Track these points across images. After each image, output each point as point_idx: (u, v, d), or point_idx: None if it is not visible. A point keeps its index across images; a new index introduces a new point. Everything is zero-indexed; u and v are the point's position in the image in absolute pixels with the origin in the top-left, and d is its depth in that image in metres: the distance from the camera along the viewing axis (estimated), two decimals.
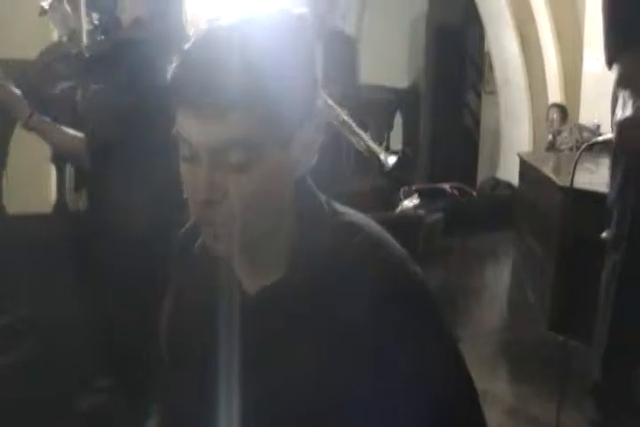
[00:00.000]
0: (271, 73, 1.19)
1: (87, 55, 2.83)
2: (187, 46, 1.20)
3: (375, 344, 1.19)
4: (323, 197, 1.33)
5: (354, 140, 5.09)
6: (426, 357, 1.23)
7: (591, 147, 3.16)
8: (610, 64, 2.82)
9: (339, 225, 1.28)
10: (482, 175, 8.55)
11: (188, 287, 1.41)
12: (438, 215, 5.28)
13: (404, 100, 8.99)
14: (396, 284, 1.23)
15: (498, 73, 8.34)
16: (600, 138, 3.05)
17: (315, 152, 1.28)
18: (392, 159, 5.05)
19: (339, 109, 5.04)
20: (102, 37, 2.86)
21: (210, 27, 1.22)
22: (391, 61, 9.58)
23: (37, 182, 4.55)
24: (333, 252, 1.25)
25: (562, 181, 4.17)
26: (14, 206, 4.29)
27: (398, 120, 8.74)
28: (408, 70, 9.81)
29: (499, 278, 5.30)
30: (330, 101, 5.05)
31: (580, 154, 2.93)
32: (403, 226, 3.93)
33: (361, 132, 5.08)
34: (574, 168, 2.91)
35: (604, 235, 3.10)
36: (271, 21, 1.23)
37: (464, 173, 8.11)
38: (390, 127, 8.50)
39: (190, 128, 1.19)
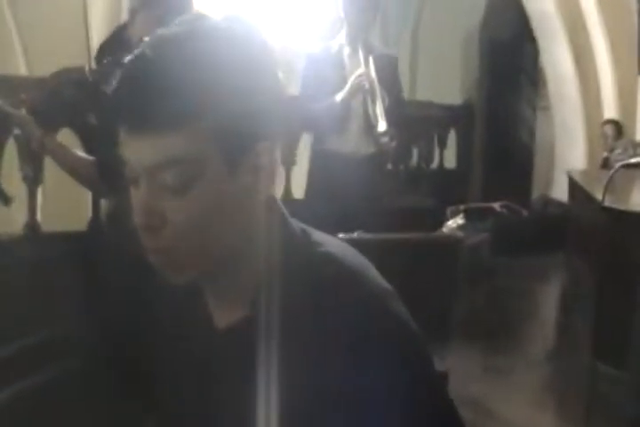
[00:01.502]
0: (210, 88, 1.10)
1: (91, 79, 2.79)
2: (127, 59, 1.12)
3: (348, 384, 1.10)
4: (297, 225, 1.23)
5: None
6: (402, 400, 1.12)
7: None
8: None
9: (312, 256, 1.19)
10: (536, 193, 8.37)
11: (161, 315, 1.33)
12: (483, 236, 5.13)
13: (458, 117, 8.85)
14: (370, 323, 1.13)
15: (551, 88, 8.18)
16: (633, 160, 2.90)
17: (273, 178, 1.19)
18: (382, 126, 4.97)
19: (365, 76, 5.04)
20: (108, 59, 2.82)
21: (149, 39, 1.15)
22: (445, 78, 9.48)
23: (73, 199, 4.54)
24: (303, 286, 1.16)
25: (607, 201, 4.01)
26: (49, 224, 4.30)
27: (453, 137, 8.62)
28: (462, 86, 9.69)
29: (546, 302, 5.13)
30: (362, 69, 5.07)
31: (613, 175, 2.78)
32: (439, 248, 3.78)
33: (379, 102, 5.03)
34: (605, 188, 2.76)
35: None
36: (212, 32, 1.15)
37: (518, 191, 7.94)
38: (444, 145, 8.38)
39: (127, 147, 1.12)
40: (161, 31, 1.16)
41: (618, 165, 2.93)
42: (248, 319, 1.17)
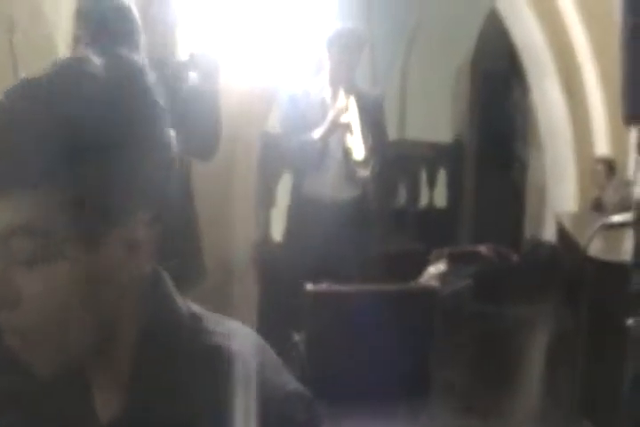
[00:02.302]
0: (63, 145, 0.94)
1: None
2: None
3: None
4: (187, 308, 1.08)
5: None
6: None
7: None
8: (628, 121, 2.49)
9: (198, 349, 1.04)
10: (528, 234, 8.17)
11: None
12: (466, 283, 4.92)
13: (448, 156, 8.70)
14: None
15: (542, 123, 8.01)
16: (615, 218, 2.71)
17: (150, 254, 1.02)
18: (359, 153, 4.82)
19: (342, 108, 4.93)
20: None
21: (13, 86, 1.00)
22: (435, 114, 9.34)
23: None
24: (180, 379, 1.02)
25: (592, 249, 3.79)
26: None
27: (443, 176, 8.46)
28: (452, 123, 9.53)
29: (531, 355, 4.90)
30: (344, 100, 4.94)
31: (595, 233, 2.59)
32: (412, 300, 3.60)
33: (359, 135, 4.91)
34: (590, 238, 2.57)
35: (629, 322, 2.73)
36: (77, 77, 1.00)
37: (509, 231, 7.74)
38: (433, 184, 8.22)
39: None
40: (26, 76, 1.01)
41: (598, 224, 2.74)
42: (129, 415, 1.03)
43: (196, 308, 1.11)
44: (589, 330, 3.67)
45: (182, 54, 4.21)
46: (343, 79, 5.06)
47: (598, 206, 6.54)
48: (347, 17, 8.15)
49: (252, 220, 5.49)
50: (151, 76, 1.06)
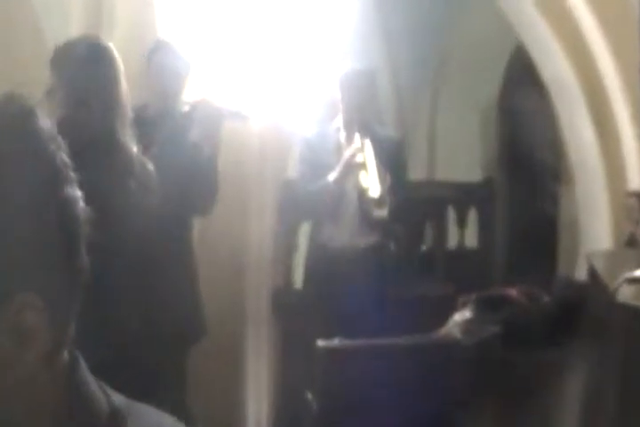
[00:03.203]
0: None
1: None
2: None
3: None
4: (104, 401, 0.94)
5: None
6: None
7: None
8: None
9: None
10: (561, 274, 7.93)
11: None
12: (494, 330, 4.70)
13: (478, 195, 8.50)
14: None
15: (572, 158, 7.81)
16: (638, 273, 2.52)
17: (51, 343, 0.88)
18: (375, 190, 4.68)
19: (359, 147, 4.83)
20: None
21: None
22: (464, 154, 9.20)
23: None
24: None
25: (622, 294, 3.57)
26: None
27: (473, 216, 8.26)
28: (482, 162, 9.36)
29: (565, 404, 4.67)
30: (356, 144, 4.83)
31: (621, 284, 2.40)
32: (433, 353, 3.40)
33: (374, 174, 4.75)
34: (614, 291, 2.38)
35: None
36: None
37: (542, 271, 7.51)
38: (464, 225, 8.02)
39: None
40: None
41: (621, 279, 2.55)
42: None
43: (120, 401, 0.96)
44: (622, 378, 3.44)
45: (185, 104, 4.10)
46: (356, 121, 4.96)
47: (633, 242, 6.31)
48: (369, 58, 8.10)
49: (269, 267, 5.33)
50: (44, 122, 0.91)
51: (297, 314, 5.00)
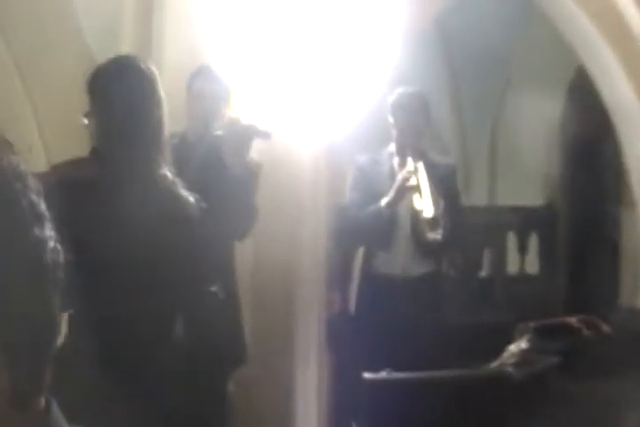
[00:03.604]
0: None
1: None
2: None
3: None
4: None
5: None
6: None
7: None
8: None
9: None
10: (623, 302, 7.74)
11: None
12: (552, 360, 4.55)
13: (540, 220, 8.36)
14: None
15: (635, 184, 7.63)
16: None
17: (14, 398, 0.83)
18: (428, 211, 4.61)
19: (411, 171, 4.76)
20: None
21: None
22: (526, 179, 9.05)
23: None
24: None
25: None
26: None
27: (534, 241, 8.12)
28: (544, 186, 9.20)
29: None
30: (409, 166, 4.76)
31: None
32: (484, 388, 3.28)
33: (427, 196, 4.67)
34: None
35: None
36: None
37: (603, 300, 7.33)
38: (524, 250, 7.89)
39: None
40: None
41: None
42: None
43: None
44: None
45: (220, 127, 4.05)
46: (409, 145, 4.88)
47: None
48: (431, 83, 8.02)
49: (322, 294, 5.26)
50: (9, 159, 0.85)
51: (350, 343, 4.91)
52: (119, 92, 2.70)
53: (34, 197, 0.85)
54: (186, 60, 4.72)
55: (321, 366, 5.08)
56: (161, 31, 4.97)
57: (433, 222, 4.67)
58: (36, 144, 4.91)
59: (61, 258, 0.87)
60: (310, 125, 5.25)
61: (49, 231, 0.85)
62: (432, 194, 4.72)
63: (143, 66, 2.79)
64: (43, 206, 0.86)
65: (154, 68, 2.84)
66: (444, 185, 4.94)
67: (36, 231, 0.84)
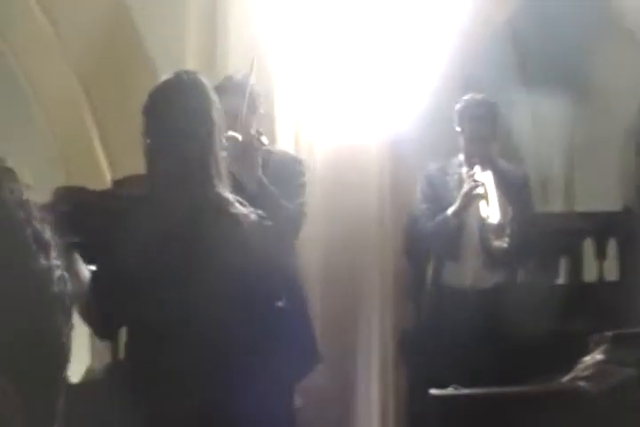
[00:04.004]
0: None
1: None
2: None
3: None
4: None
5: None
6: None
7: None
8: None
9: None
10: None
11: None
12: (627, 375, 4.42)
13: (619, 225, 8.17)
14: None
15: None
16: None
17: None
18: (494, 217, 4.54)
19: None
20: None
21: None
22: (604, 184, 8.90)
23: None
24: None
25: None
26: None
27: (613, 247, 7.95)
28: (622, 191, 9.03)
29: None
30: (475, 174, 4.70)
31: None
32: (556, 404, 3.19)
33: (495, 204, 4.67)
34: None
35: None
36: None
37: None
38: (603, 256, 7.72)
39: None
40: None
41: None
42: None
43: None
44: None
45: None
46: (477, 154, 4.81)
47: None
48: (505, 86, 7.92)
49: (393, 307, 5.23)
50: (11, 188, 0.83)
51: (420, 356, 4.86)
52: (169, 111, 2.68)
53: (38, 226, 0.84)
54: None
55: (390, 380, 5.04)
56: (225, 44, 4.99)
57: (499, 230, 4.61)
58: (103, 163, 4.97)
59: (69, 287, 0.85)
60: (377, 132, 5.23)
61: (55, 260, 0.83)
62: (499, 202, 4.66)
63: (198, 82, 2.76)
64: (48, 234, 0.84)
65: (209, 85, 2.81)
66: (514, 192, 4.87)
67: (42, 260, 0.82)
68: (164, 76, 2.82)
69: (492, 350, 4.57)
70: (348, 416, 4.86)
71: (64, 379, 0.84)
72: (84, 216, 2.92)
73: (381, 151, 5.30)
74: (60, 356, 0.82)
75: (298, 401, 4.59)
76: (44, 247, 0.79)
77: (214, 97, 2.79)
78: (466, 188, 4.75)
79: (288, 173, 3.99)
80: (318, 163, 5.18)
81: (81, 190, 3.30)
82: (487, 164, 4.85)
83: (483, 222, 4.73)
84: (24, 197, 0.81)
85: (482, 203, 4.71)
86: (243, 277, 2.64)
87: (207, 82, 2.82)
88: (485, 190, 4.72)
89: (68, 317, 0.80)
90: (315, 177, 5.09)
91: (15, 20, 5.10)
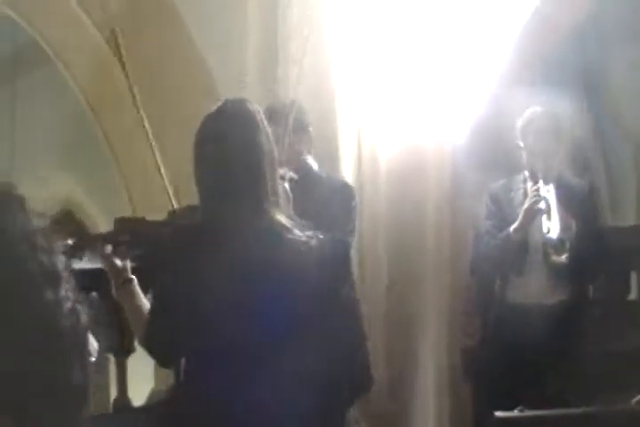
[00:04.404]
0: None
1: None
2: None
3: None
4: None
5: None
6: None
7: None
8: None
9: None
10: None
11: None
12: None
13: None
14: None
15: None
16: None
17: None
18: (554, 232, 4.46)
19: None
20: None
21: None
22: None
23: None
24: None
25: None
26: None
27: None
28: None
29: None
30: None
31: None
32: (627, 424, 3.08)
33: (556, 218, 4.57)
34: None
35: None
36: None
37: None
38: None
39: None
40: None
41: None
42: None
43: None
44: None
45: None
46: (540, 169, 4.71)
47: None
48: (574, 94, 7.76)
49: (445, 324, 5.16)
50: (13, 218, 0.79)
51: (484, 375, 4.76)
52: (217, 142, 2.67)
53: (43, 258, 0.79)
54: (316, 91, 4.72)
55: (447, 403, 4.95)
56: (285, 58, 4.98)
57: (558, 245, 4.51)
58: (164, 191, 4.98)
59: (83, 320, 0.81)
60: (439, 140, 5.17)
61: (65, 292, 0.79)
62: (562, 216, 4.57)
63: (245, 110, 2.73)
64: (58, 266, 0.80)
65: (257, 112, 2.78)
66: (579, 207, 4.76)
67: (49, 293, 0.78)
68: (214, 106, 2.80)
69: (556, 369, 4.46)
70: None
71: (83, 419, 0.79)
72: (142, 246, 2.91)
73: (443, 160, 5.24)
74: (74, 395, 0.76)
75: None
76: (51, 279, 0.75)
77: (262, 124, 2.75)
78: (527, 203, 4.67)
79: (338, 198, 3.97)
80: (381, 170, 5.16)
81: (140, 221, 3.30)
82: (550, 178, 4.76)
83: (545, 238, 4.64)
84: (31, 227, 0.76)
85: (544, 218, 4.62)
86: (300, 304, 2.61)
87: (256, 108, 2.79)
88: (547, 205, 4.64)
89: (82, 351, 0.75)
90: (377, 185, 5.08)
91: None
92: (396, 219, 5.15)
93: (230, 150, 2.66)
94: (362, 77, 5.19)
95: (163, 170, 4.91)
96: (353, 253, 4.47)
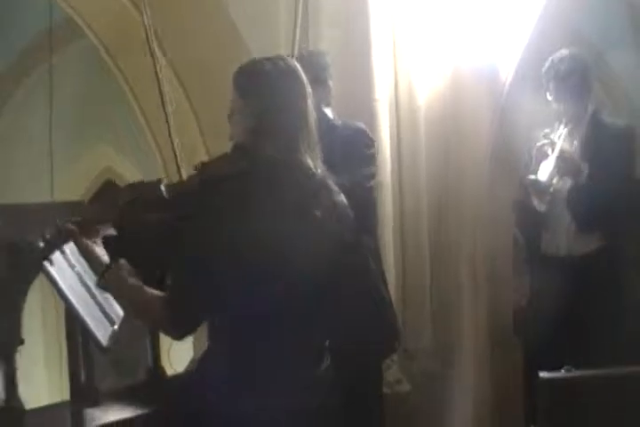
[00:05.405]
0: None
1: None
2: None
3: None
4: None
5: None
6: None
7: None
8: None
9: None
10: None
11: None
12: None
13: None
14: None
15: None
16: None
17: None
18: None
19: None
20: None
21: None
22: None
23: None
24: None
25: None
26: None
27: None
28: None
29: None
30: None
31: None
32: None
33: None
34: None
35: None
36: None
37: None
38: None
39: None
40: None
41: None
42: None
43: None
44: None
45: None
46: (568, 115, 4.58)
47: None
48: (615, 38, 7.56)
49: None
50: None
51: (534, 335, 4.69)
52: (264, 84, 2.62)
53: None
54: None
55: (486, 368, 4.90)
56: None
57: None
58: (200, 149, 4.99)
59: None
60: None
61: None
62: (591, 163, 4.45)
63: (287, 63, 2.70)
64: None
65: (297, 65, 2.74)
66: (613, 147, 4.62)
67: None
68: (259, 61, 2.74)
69: (598, 324, 4.38)
70: (452, 402, 4.77)
71: None
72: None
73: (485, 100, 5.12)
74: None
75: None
76: None
77: (301, 73, 2.72)
78: (556, 150, 4.55)
79: (355, 145, 3.87)
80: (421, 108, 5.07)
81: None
82: (577, 120, 4.63)
83: (569, 188, 4.55)
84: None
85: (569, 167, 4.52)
86: (326, 258, 2.56)
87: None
88: (569, 154, 4.53)
89: None
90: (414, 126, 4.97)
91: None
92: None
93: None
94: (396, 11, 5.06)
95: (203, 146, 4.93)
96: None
